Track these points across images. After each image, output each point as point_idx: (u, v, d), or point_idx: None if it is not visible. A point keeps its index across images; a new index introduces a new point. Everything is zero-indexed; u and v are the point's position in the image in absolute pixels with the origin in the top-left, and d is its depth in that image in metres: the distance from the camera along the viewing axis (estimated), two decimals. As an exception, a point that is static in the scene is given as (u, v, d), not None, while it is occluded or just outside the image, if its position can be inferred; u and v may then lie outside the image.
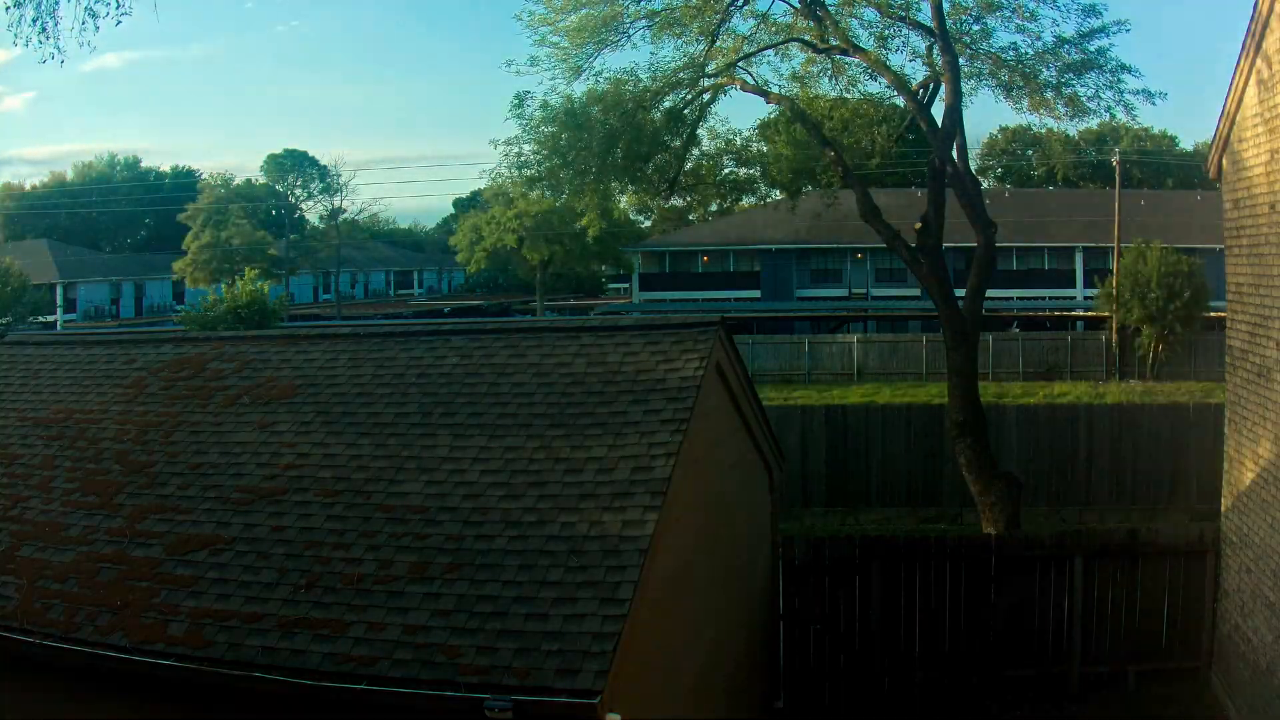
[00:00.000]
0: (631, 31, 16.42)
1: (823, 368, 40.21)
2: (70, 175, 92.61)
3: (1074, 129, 55.31)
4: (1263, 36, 10.63)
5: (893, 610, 12.90)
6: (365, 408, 8.77)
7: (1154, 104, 16.57)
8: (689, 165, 18.21)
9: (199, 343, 10.59)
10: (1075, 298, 49.88)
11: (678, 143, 17.22)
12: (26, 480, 8.69)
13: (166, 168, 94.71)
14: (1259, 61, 10.81)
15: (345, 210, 76.83)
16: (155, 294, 71.01)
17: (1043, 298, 50.05)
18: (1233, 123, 11.84)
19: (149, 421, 9.17)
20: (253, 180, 74.46)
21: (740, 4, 16.24)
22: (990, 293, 20.38)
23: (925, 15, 15.76)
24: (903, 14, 15.96)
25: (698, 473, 8.45)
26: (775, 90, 17.38)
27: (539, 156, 17.01)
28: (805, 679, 13.02)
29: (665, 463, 7.47)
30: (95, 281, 68.30)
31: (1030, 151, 75.43)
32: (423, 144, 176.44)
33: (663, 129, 16.54)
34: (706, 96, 17.04)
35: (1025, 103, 16.53)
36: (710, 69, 16.43)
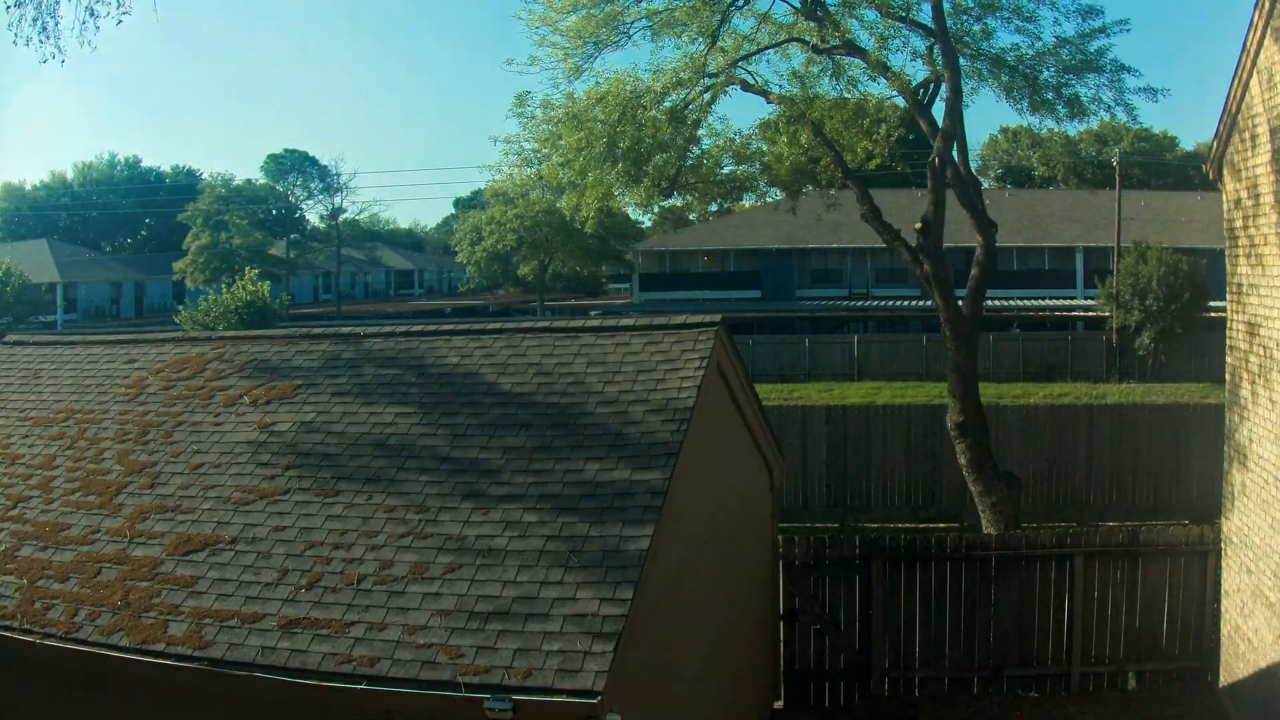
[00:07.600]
0: (632, 31, 16.39)
1: (823, 367, 40.20)
2: (70, 175, 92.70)
3: (1074, 130, 55.25)
4: (1263, 35, 10.63)
5: (893, 610, 12.91)
6: (365, 407, 8.78)
7: (1155, 101, 16.57)
8: (689, 163, 18.18)
9: (199, 343, 10.59)
10: (1075, 298, 49.86)
11: (679, 141, 17.19)
12: (27, 480, 8.70)
13: (167, 168, 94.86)
14: (1259, 61, 10.81)
15: (345, 210, 76.92)
16: (155, 294, 71.10)
17: (1043, 298, 50.02)
18: (1233, 123, 11.83)
19: (149, 421, 9.18)
20: (253, 180, 74.48)
21: (740, 4, 16.22)
22: (990, 293, 20.37)
23: (926, 15, 15.77)
24: (903, 14, 15.94)
25: (698, 472, 8.44)
26: (776, 90, 17.38)
27: (540, 156, 17.01)
28: (805, 679, 13.02)
29: (665, 462, 7.47)
30: (95, 281, 68.40)
31: (1032, 152, 75.33)
32: (423, 143, 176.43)
33: (664, 128, 16.50)
34: (707, 96, 17.01)
35: (1026, 104, 16.53)
36: (711, 69, 16.41)
